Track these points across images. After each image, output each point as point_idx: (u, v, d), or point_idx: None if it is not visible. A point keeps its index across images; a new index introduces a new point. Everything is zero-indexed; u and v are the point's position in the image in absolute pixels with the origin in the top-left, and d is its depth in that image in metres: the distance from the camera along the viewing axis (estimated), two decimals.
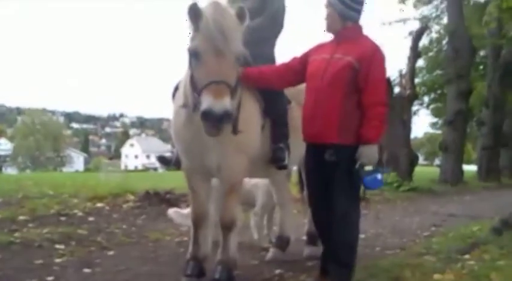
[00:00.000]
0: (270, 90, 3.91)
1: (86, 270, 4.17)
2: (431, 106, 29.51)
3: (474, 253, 4.75)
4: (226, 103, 2.99)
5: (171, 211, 5.76)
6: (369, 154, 3.31)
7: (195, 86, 3.22)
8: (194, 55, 3.22)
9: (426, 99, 29.53)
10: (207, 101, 3.01)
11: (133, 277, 4.02)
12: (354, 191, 3.44)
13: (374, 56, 3.37)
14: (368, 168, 3.35)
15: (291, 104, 4.20)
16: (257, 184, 5.22)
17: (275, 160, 3.99)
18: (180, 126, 3.68)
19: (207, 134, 3.16)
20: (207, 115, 2.99)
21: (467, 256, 4.62)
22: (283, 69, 3.84)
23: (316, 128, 3.48)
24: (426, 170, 27.17)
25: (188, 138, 3.65)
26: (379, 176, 3.40)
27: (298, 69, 3.71)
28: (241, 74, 3.71)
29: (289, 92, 4.16)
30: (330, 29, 3.57)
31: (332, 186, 3.43)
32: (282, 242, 4.82)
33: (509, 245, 4.83)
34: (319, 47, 3.69)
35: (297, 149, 4.09)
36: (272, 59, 4.25)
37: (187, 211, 5.36)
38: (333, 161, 3.37)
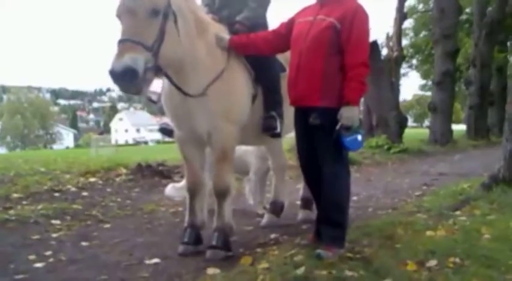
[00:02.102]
0: (260, 58, 3.89)
1: (84, 243, 4.20)
2: (420, 68, 29.60)
3: (465, 209, 4.82)
4: (125, 60, 2.89)
5: (168, 189, 5.80)
6: (349, 115, 3.28)
7: None
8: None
9: (414, 61, 29.59)
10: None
11: (131, 247, 4.06)
12: (342, 152, 3.45)
13: (355, 16, 3.32)
14: (350, 129, 3.34)
15: (286, 71, 4.17)
16: (248, 150, 5.23)
17: (267, 129, 3.99)
18: (167, 96, 3.72)
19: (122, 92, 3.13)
20: (110, 76, 2.93)
21: (458, 212, 4.68)
22: (271, 36, 3.81)
23: (299, 92, 3.46)
24: (416, 131, 27.40)
25: (175, 107, 3.69)
26: (359, 137, 3.38)
27: (285, 34, 3.68)
28: (230, 42, 3.71)
29: (284, 58, 4.13)
30: None
31: (319, 148, 3.45)
32: (276, 208, 4.87)
33: (499, 200, 4.90)
34: (304, 10, 3.65)
35: (292, 115, 4.09)
36: (266, 25, 4.21)
37: (182, 183, 5.39)
38: (317, 124, 3.38)
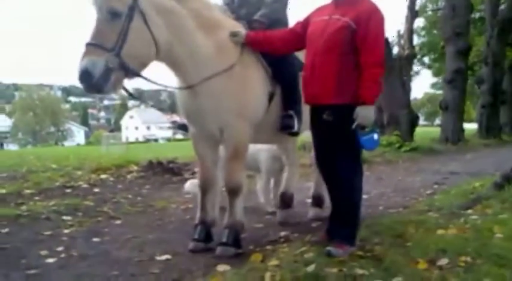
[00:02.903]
0: (278, 56, 3.88)
1: (95, 239, 4.23)
2: (432, 66, 29.38)
3: (476, 208, 4.79)
4: (83, 63, 3.04)
5: (187, 185, 5.81)
6: (365, 114, 3.29)
7: None
8: None
9: (426, 59, 29.39)
10: None
11: (142, 244, 4.08)
12: (355, 150, 3.45)
13: (371, 17, 3.32)
14: (365, 128, 3.34)
15: None
16: (261, 149, 5.23)
17: (284, 127, 3.99)
18: (180, 93, 3.74)
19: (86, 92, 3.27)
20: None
21: (469, 211, 4.66)
22: (287, 34, 3.82)
23: (314, 90, 3.46)
24: (427, 130, 27.21)
25: (186, 104, 3.73)
26: (375, 136, 3.40)
27: (301, 33, 3.68)
28: (246, 38, 3.73)
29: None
30: None
31: (333, 146, 3.45)
32: (286, 198, 4.86)
33: (511, 199, 4.85)
34: (320, 9, 3.65)
35: (308, 114, 4.07)
36: (285, 22, 4.20)
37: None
38: (331, 122, 3.38)
